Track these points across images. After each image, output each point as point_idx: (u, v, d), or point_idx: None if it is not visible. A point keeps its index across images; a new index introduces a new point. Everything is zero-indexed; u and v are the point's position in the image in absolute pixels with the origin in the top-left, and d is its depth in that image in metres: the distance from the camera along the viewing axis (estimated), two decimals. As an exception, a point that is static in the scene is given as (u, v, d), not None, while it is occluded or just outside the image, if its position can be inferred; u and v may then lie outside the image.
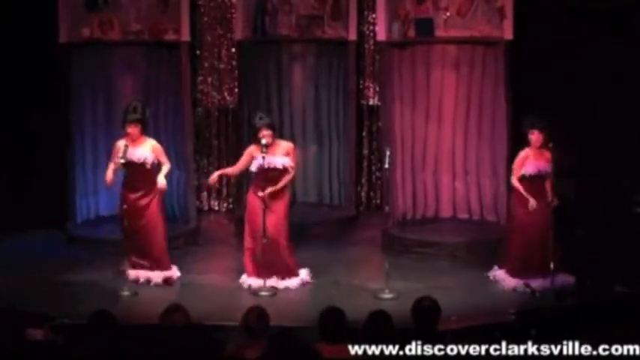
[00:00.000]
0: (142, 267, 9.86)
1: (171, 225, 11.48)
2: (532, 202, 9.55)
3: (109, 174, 9.75)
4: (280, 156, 9.63)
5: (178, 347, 5.95)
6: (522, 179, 9.69)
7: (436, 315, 6.33)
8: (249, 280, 9.72)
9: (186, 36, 11.72)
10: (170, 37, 11.77)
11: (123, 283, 9.67)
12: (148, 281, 9.82)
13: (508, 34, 11.16)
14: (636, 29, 10.73)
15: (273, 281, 9.63)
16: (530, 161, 9.65)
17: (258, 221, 9.59)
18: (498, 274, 9.91)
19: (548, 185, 9.65)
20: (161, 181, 9.74)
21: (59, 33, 11.49)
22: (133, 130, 9.67)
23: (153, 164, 9.77)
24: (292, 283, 9.74)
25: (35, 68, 11.54)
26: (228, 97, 13.14)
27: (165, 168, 9.83)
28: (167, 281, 9.88)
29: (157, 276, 9.86)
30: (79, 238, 11.44)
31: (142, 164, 9.71)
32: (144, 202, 9.78)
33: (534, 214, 9.58)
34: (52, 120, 11.68)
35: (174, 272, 10.02)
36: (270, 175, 9.61)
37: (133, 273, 9.85)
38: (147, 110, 9.92)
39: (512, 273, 9.76)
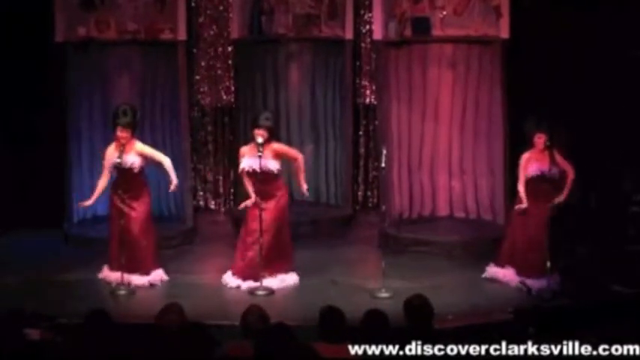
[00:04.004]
0: (123, 269, 9.68)
1: (168, 224, 11.52)
2: (522, 206, 9.58)
3: (101, 185, 9.85)
4: (271, 159, 9.63)
5: (174, 347, 5.94)
6: (525, 181, 9.69)
7: (427, 313, 6.33)
8: (229, 279, 9.74)
9: (182, 35, 11.71)
10: (166, 36, 11.76)
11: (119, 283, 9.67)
12: (128, 284, 9.71)
13: (504, 33, 11.17)
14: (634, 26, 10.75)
15: (251, 282, 9.60)
16: (532, 163, 9.64)
17: (254, 223, 9.61)
18: (494, 271, 9.90)
19: (567, 183, 9.60)
20: (174, 180, 9.77)
21: (55, 32, 11.47)
22: (124, 134, 9.65)
23: (140, 168, 9.76)
24: (277, 284, 9.71)
25: (31, 68, 11.51)
26: (224, 97, 13.11)
27: (167, 164, 9.81)
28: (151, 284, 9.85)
29: (137, 279, 9.79)
30: (76, 237, 11.43)
31: (130, 169, 9.70)
32: (132, 204, 9.76)
33: (535, 214, 9.57)
34: (48, 119, 11.67)
35: (157, 277, 9.96)
36: (262, 177, 9.60)
37: (111, 275, 9.79)
38: (137, 114, 9.90)
39: (509, 269, 9.78)
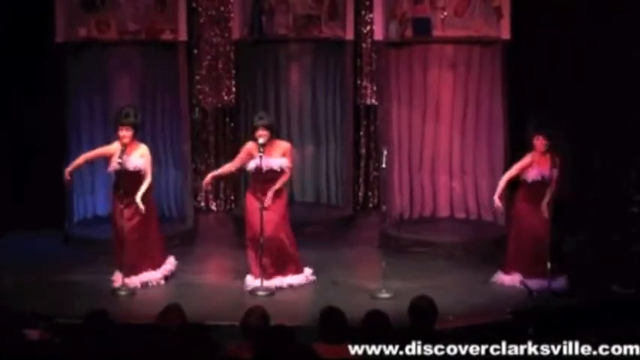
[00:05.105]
0: (126, 270, 9.67)
1: (168, 224, 11.51)
2: (498, 203, 9.64)
3: (77, 164, 9.92)
4: (277, 157, 9.61)
5: (175, 347, 5.94)
6: (524, 185, 9.66)
7: (432, 314, 6.33)
8: (255, 282, 9.59)
9: (183, 36, 11.71)
10: (167, 36, 11.75)
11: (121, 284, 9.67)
12: (147, 283, 9.77)
13: (505, 34, 11.16)
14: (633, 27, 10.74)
15: (277, 280, 9.58)
16: (533, 167, 9.61)
17: (256, 222, 9.57)
18: (502, 278, 9.86)
19: (549, 189, 9.59)
20: (140, 202, 9.63)
21: (56, 32, 11.47)
22: (125, 133, 9.66)
23: (145, 169, 9.77)
24: (297, 279, 9.72)
25: (31, 68, 11.51)
26: (225, 97, 13.12)
27: (146, 183, 9.73)
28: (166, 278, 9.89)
29: (153, 275, 9.83)
30: (76, 237, 11.43)
31: (134, 171, 9.70)
32: (135, 205, 9.74)
33: (536, 217, 9.56)
34: (49, 120, 11.66)
35: (171, 265, 10.04)
36: (266, 176, 9.60)
37: (121, 279, 9.75)
38: (139, 115, 9.89)
39: (511, 271, 9.77)
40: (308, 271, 9.89)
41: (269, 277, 9.56)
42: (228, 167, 10.02)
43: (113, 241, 9.89)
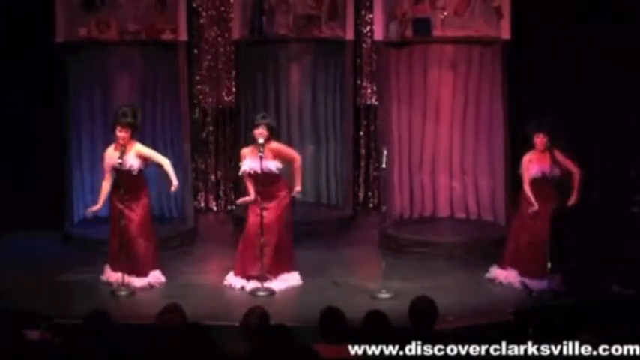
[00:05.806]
0: (123, 270, 9.67)
1: (169, 225, 11.52)
2: (533, 207, 9.58)
3: (105, 188, 9.85)
4: (270, 159, 9.63)
5: (174, 347, 5.94)
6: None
7: (433, 315, 6.33)
8: (232, 279, 9.73)
9: (183, 36, 11.71)
10: (167, 37, 11.76)
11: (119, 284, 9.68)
12: (127, 285, 9.69)
13: (505, 34, 11.17)
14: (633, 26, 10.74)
15: (254, 282, 9.59)
16: (533, 164, 9.65)
17: (256, 224, 9.59)
18: (497, 272, 9.91)
19: (576, 181, 9.61)
20: (175, 181, 9.72)
21: (56, 33, 11.48)
22: (123, 133, 9.66)
23: (139, 170, 9.77)
24: (278, 285, 9.71)
25: (32, 68, 11.51)
26: (225, 97, 13.12)
27: (167, 165, 9.80)
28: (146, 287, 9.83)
29: (135, 281, 9.78)
30: (76, 237, 11.43)
31: (129, 171, 9.72)
32: (131, 206, 9.76)
33: (538, 215, 9.57)
34: (49, 120, 11.67)
35: (155, 279, 9.94)
36: (264, 178, 9.61)
37: (113, 276, 9.81)
38: (138, 115, 9.88)
39: (507, 267, 9.81)
40: (295, 275, 9.87)
41: (258, 277, 9.58)
42: (252, 194, 9.83)
43: (110, 240, 9.91)
